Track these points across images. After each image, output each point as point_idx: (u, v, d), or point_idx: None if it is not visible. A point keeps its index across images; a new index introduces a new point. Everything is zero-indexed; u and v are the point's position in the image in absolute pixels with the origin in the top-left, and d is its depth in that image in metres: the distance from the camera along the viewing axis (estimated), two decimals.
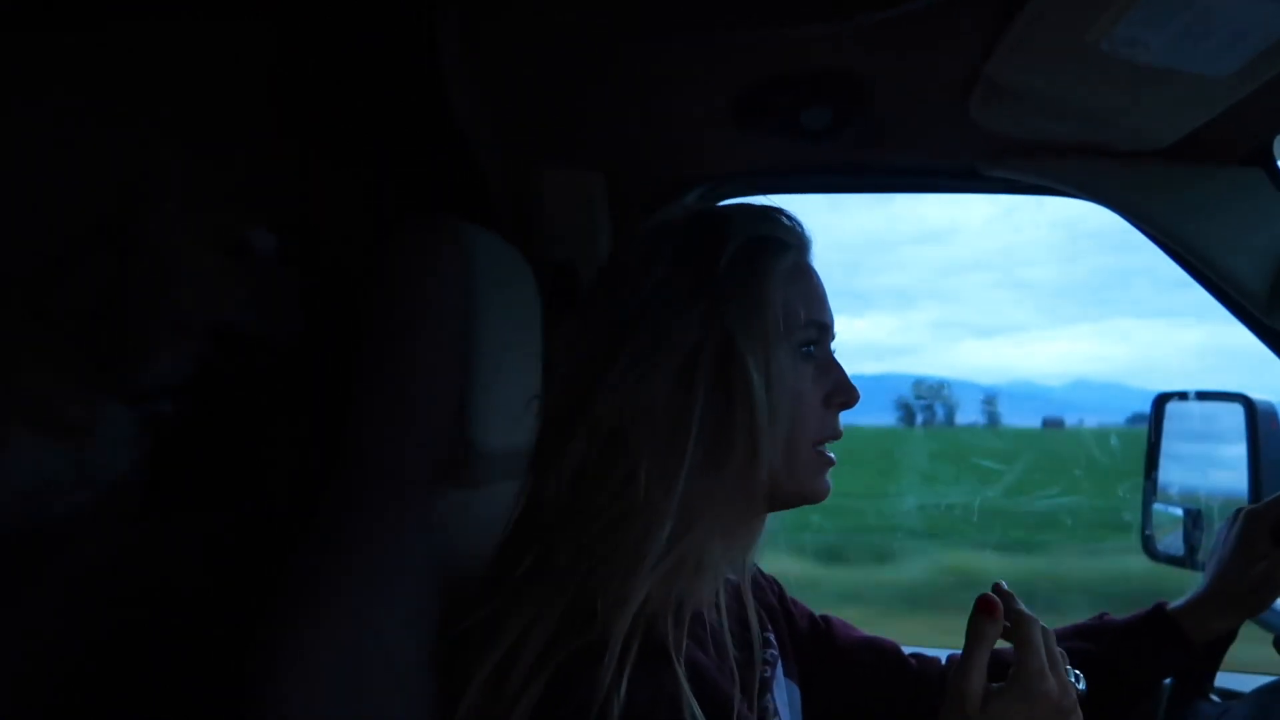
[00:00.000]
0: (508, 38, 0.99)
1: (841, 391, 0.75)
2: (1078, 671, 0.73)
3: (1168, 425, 1.24)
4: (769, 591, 0.93)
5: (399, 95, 1.04)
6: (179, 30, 0.90)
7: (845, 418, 0.78)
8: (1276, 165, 1.09)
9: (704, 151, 1.24)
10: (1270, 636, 0.98)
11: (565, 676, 0.61)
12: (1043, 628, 0.69)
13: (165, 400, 0.98)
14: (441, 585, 0.74)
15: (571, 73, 1.04)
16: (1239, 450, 1.13)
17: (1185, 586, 0.97)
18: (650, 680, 0.62)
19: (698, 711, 0.62)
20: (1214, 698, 1.01)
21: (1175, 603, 0.94)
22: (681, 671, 0.63)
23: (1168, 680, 1.01)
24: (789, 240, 0.76)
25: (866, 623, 1.00)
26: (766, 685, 0.79)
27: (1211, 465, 1.24)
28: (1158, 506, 1.23)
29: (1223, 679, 1.03)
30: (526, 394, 0.80)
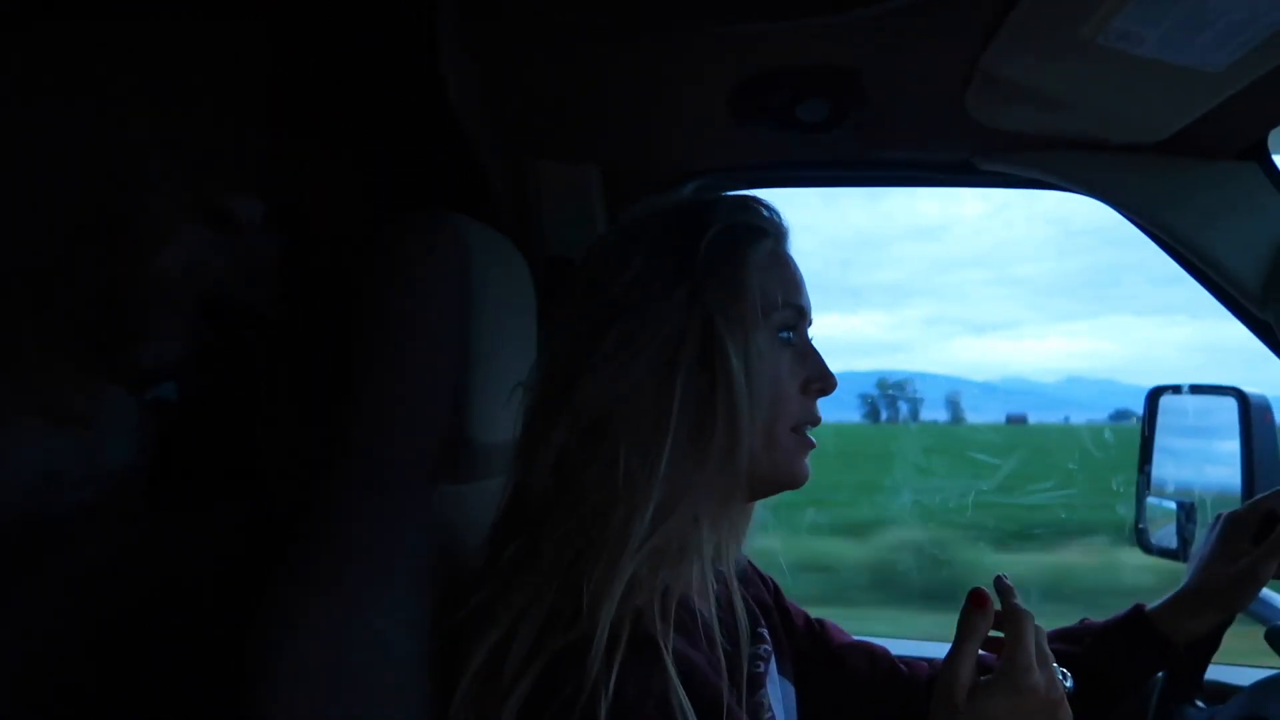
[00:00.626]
0: (505, 32, 0.98)
1: (819, 377, 0.76)
2: (1065, 670, 0.74)
3: (1161, 419, 1.25)
4: (764, 589, 0.94)
5: (397, 90, 1.04)
6: (179, 23, 0.90)
7: None
8: (1272, 159, 1.09)
9: (700, 145, 1.24)
10: (1261, 630, 0.98)
11: (554, 671, 0.61)
12: (1035, 625, 0.70)
13: (168, 386, 0.98)
14: (438, 579, 0.74)
15: (568, 67, 1.04)
16: (1232, 444, 1.13)
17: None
18: (638, 674, 0.62)
19: (687, 706, 0.62)
20: (1199, 703, 1.01)
21: (1153, 604, 0.94)
22: (671, 665, 0.63)
23: (1158, 683, 1.02)
24: (766, 228, 0.77)
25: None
26: (760, 681, 0.79)
27: (1205, 459, 1.24)
28: (1151, 500, 1.23)
29: (1214, 671, 1.04)
30: None
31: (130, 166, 0.90)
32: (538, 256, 1.25)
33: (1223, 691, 1.06)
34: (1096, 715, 0.91)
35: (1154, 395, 1.25)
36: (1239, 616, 0.95)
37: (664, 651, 0.63)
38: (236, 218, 0.90)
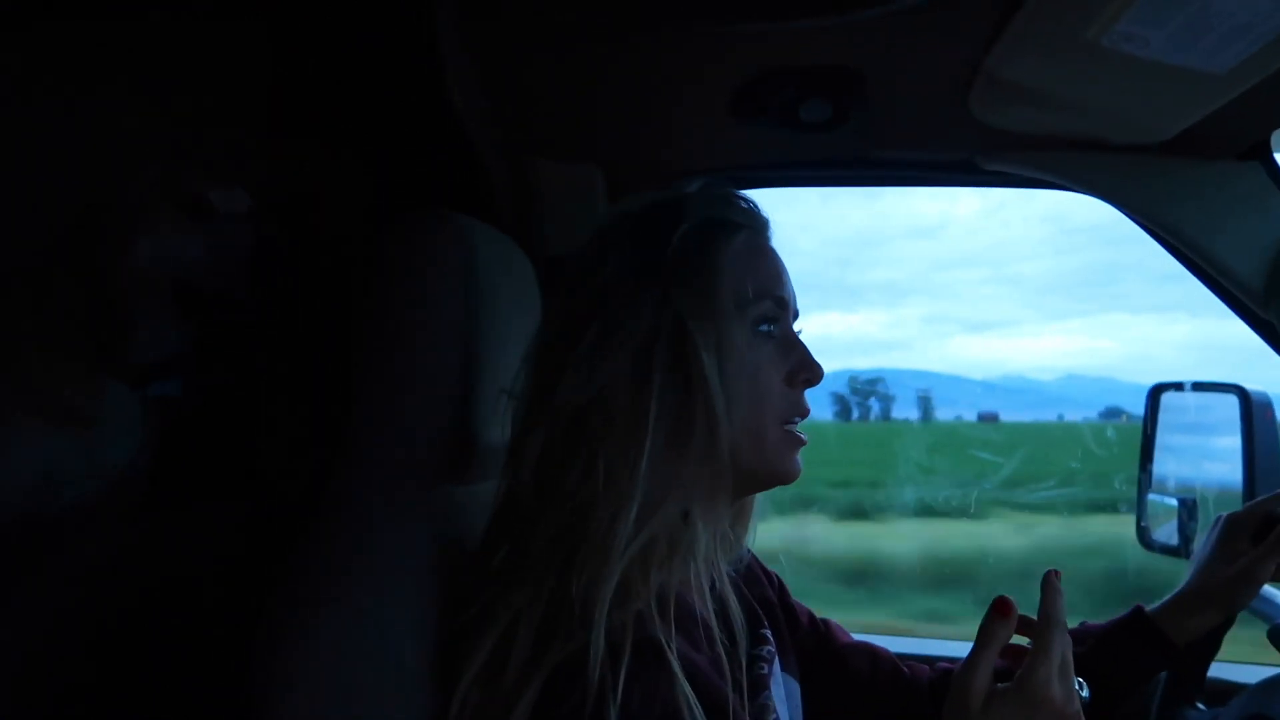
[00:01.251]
0: (505, 32, 0.98)
1: (805, 369, 0.76)
2: (1081, 679, 0.74)
3: (1163, 416, 1.25)
4: (768, 586, 0.93)
5: (397, 89, 1.04)
6: (179, 23, 0.89)
7: None
8: (1274, 160, 1.09)
9: (702, 145, 1.24)
10: (1263, 629, 0.99)
11: (558, 680, 0.61)
12: (1065, 635, 0.69)
13: (170, 385, 0.98)
14: (442, 582, 0.74)
15: (568, 66, 1.04)
16: (1233, 441, 1.13)
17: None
18: (644, 679, 0.61)
19: (696, 707, 0.62)
20: (1200, 705, 1.01)
21: (1153, 605, 0.94)
22: (677, 667, 0.63)
23: (1160, 684, 1.02)
24: (740, 220, 0.76)
25: None
26: (764, 683, 0.79)
27: (1206, 456, 1.24)
28: (1152, 497, 1.23)
29: (1216, 669, 1.04)
30: None
31: (127, 165, 0.90)
32: (539, 256, 1.24)
33: (1225, 690, 1.06)
34: (1100, 717, 0.91)
35: (1155, 392, 1.25)
36: (1241, 615, 0.96)
37: (668, 653, 0.63)
38: (212, 207, 0.90)
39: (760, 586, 0.92)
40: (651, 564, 0.67)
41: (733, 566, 0.86)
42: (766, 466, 0.75)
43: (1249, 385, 1.14)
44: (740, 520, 0.85)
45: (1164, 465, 1.24)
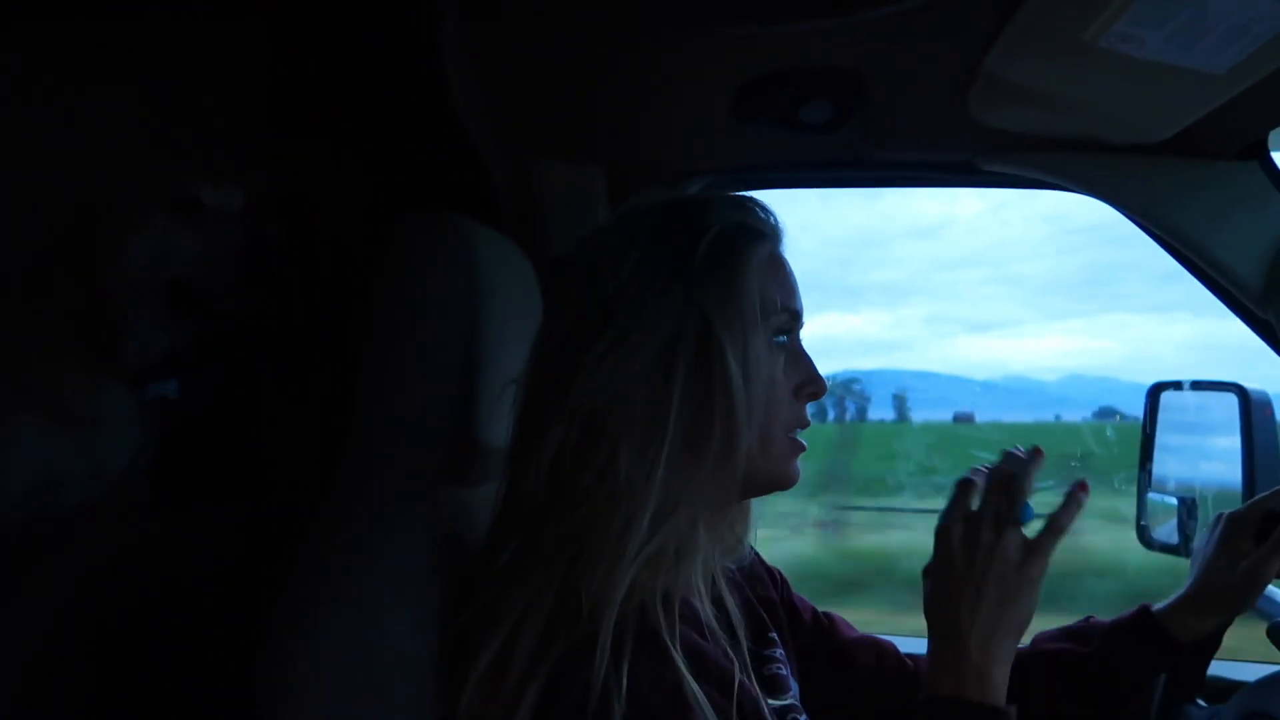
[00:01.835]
0: (506, 32, 0.98)
1: (811, 382, 0.77)
2: (1029, 503, 0.74)
3: (1162, 415, 1.25)
4: (771, 585, 0.94)
5: (398, 90, 1.04)
6: (180, 23, 0.89)
7: None
8: (1272, 159, 1.10)
9: (702, 145, 1.24)
10: (1263, 626, 0.99)
11: (562, 673, 0.61)
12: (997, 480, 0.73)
13: (170, 385, 0.98)
14: (446, 582, 0.74)
15: (569, 67, 1.04)
16: (1233, 440, 1.13)
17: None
18: (648, 668, 0.62)
19: (700, 695, 0.62)
20: (1201, 702, 1.02)
21: (1159, 604, 0.94)
22: (679, 657, 0.63)
23: (1160, 682, 1.02)
24: (764, 230, 0.76)
25: None
26: (785, 684, 0.80)
27: (1205, 455, 1.24)
28: (1152, 496, 1.24)
29: (1216, 667, 1.04)
30: None
31: (127, 166, 0.90)
32: (540, 257, 1.24)
33: (1225, 687, 1.07)
34: (1107, 715, 0.91)
35: (1155, 391, 1.26)
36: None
37: (670, 646, 0.63)
38: (205, 206, 0.90)
39: (763, 585, 0.92)
40: (660, 568, 0.67)
41: (736, 566, 0.86)
42: (771, 472, 0.75)
43: (1249, 384, 1.14)
44: (741, 520, 0.85)
45: (1163, 464, 1.24)
